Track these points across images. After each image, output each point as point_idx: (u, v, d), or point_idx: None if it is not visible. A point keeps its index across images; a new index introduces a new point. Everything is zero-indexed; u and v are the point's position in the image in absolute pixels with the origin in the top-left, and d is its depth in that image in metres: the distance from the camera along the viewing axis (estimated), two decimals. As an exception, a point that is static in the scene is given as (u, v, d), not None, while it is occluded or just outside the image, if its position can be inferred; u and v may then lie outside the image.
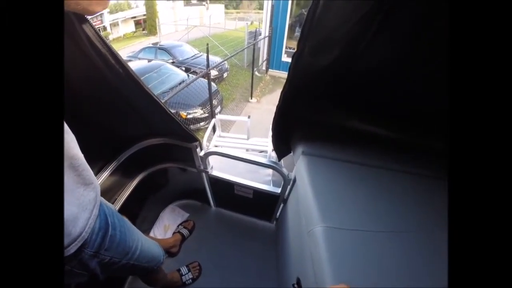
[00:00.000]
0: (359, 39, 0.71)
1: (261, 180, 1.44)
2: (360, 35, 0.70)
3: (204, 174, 1.47)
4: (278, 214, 1.58)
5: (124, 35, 17.49)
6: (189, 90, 4.22)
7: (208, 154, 1.28)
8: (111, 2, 0.47)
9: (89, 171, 0.56)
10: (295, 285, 0.88)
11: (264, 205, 1.53)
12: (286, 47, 8.20)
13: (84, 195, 0.54)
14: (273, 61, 8.50)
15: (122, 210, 1.15)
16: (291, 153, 1.21)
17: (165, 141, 1.23)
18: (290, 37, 7.99)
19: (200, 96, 4.61)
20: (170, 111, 0.91)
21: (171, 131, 1.17)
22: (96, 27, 0.56)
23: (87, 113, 0.83)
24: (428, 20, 0.64)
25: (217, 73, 7.13)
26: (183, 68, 6.36)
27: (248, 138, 2.79)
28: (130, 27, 18.67)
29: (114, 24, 16.71)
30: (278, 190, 1.34)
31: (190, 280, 1.40)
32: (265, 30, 8.06)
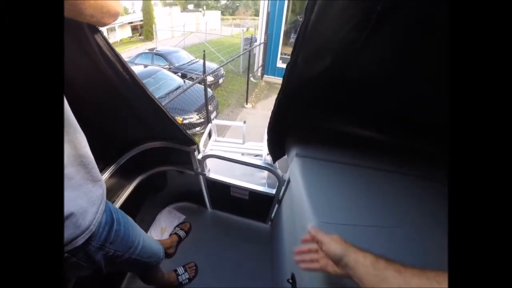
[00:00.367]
0: (350, 48, 0.74)
1: (256, 183, 1.49)
2: (350, 45, 0.73)
3: (201, 177, 1.51)
4: (273, 214, 1.63)
5: (120, 40, 17.56)
6: (185, 95, 4.27)
7: (206, 157, 1.33)
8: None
9: (97, 169, 0.60)
10: (290, 280, 0.92)
11: (259, 206, 1.57)
12: (281, 53, 8.31)
13: (93, 191, 0.58)
14: (268, 67, 8.60)
15: (121, 211, 1.18)
16: (286, 156, 1.26)
17: (164, 144, 1.27)
18: (285, 43, 8.11)
19: (196, 101, 4.66)
20: (171, 115, 0.96)
21: (171, 135, 1.21)
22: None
23: (90, 117, 0.87)
24: (418, 29, 0.67)
25: (213, 79, 7.18)
26: (179, 74, 6.41)
27: (243, 143, 2.84)
28: (127, 32, 18.76)
29: (111, 29, 16.76)
30: (273, 191, 1.39)
31: (187, 280, 1.42)
32: (260, 37, 8.17)
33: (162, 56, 7.56)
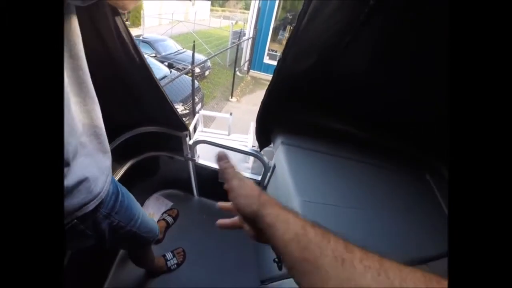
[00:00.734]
0: (334, 47, 0.83)
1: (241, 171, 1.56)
2: (335, 45, 0.82)
3: (190, 163, 1.57)
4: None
5: (103, 24, 16.77)
6: (171, 86, 4.25)
7: (197, 142, 1.39)
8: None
9: (107, 141, 0.66)
10: (276, 259, 1.01)
11: (245, 192, 1.65)
12: (268, 50, 8.37)
13: (103, 161, 0.64)
14: (255, 62, 8.64)
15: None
16: (271, 146, 1.34)
17: (157, 129, 1.31)
18: (273, 39, 8.17)
19: (182, 92, 4.65)
20: (169, 99, 1.02)
21: (165, 119, 1.26)
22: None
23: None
24: (399, 33, 0.73)
25: (199, 70, 7.12)
26: (166, 64, 6.31)
27: (229, 134, 2.92)
28: (111, 16, 17.93)
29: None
30: (259, 178, 1.48)
31: (175, 265, 1.46)
32: (249, 31, 8.17)
33: (148, 43, 7.38)
